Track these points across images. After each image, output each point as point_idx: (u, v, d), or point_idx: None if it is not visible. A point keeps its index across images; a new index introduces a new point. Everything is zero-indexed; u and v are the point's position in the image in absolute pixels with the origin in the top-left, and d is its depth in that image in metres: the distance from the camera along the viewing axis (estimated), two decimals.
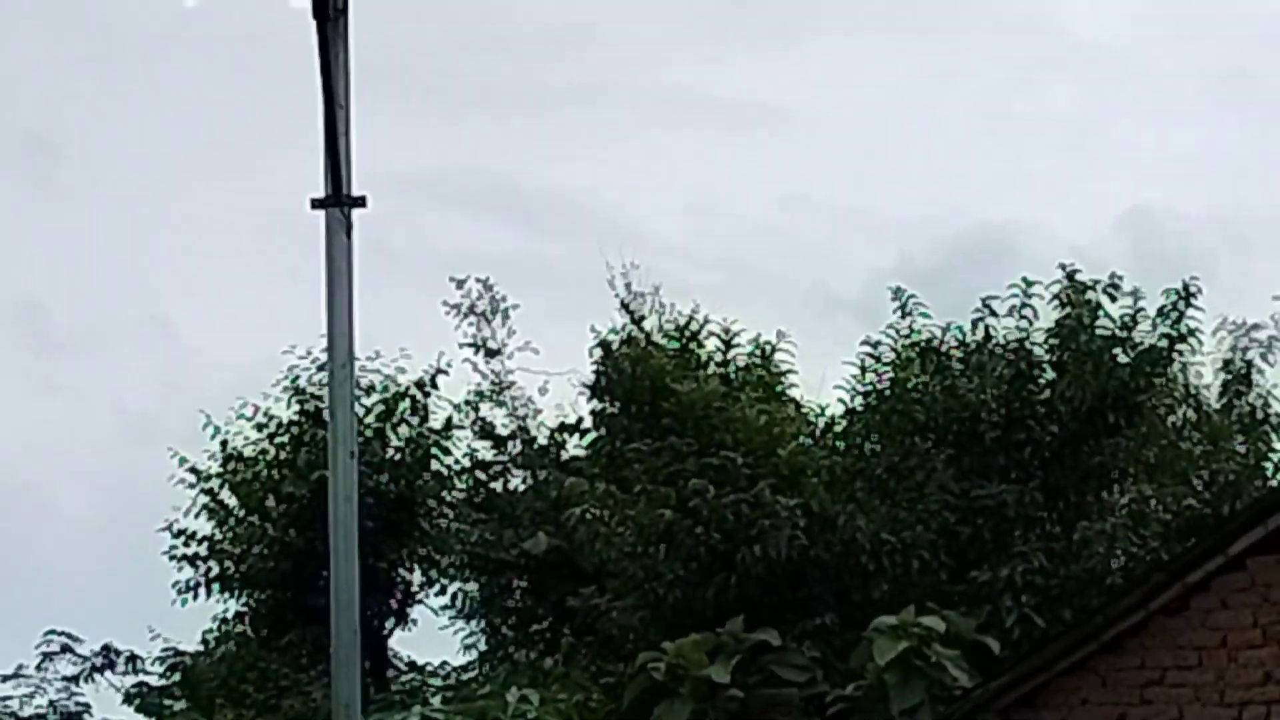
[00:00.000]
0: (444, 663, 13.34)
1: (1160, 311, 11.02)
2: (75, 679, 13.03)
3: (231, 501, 12.56)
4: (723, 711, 10.02)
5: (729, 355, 12.29)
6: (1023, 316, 11.23)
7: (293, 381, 12.52)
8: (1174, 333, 11.04)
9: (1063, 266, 11.26)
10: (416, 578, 13.04)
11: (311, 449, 11.65)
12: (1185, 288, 11.00)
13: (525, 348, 13.08)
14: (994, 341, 11.31)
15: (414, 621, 13.51)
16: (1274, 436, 11.76)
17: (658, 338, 12.12)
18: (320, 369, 11.44)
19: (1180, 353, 11.23)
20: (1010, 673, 7.81)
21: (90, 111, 21.81)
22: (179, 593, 12.92)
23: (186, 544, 12.55)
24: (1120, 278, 11.25)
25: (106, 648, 13.17)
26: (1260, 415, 11.76)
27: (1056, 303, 11.15)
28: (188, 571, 12.72)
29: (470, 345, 13.08)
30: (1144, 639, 7.00)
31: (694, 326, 12.28)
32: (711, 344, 12.15)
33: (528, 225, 20.82)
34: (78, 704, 12.76)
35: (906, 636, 9.57)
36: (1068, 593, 10.55)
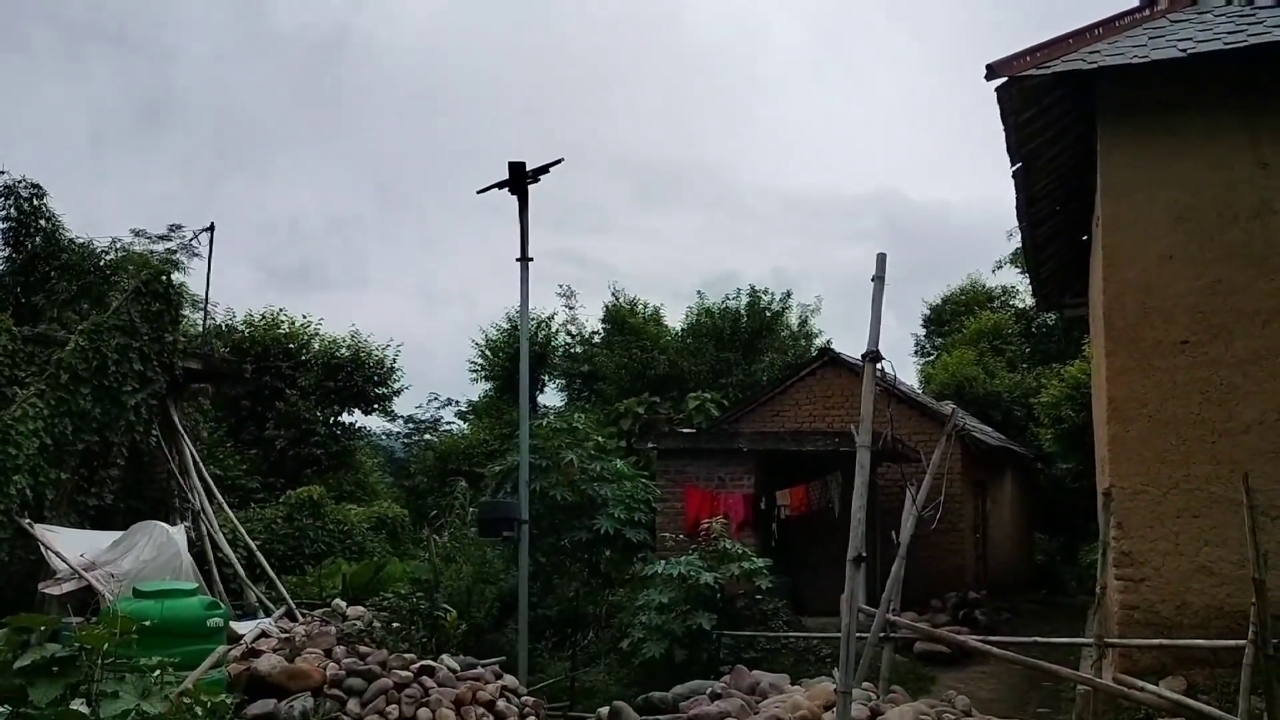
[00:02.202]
0: (555, 405, 37.26)
1: (780, 298, 34.52)
2: (439, 409, 37.57)
3: (488, 353, 36.08)
4: (643, 421, 33.57)
5: (646, 309, 36.03)
6: (736, 300, 34.75)
7: (509, 316, 35.73)
8: (784, 305, 34.55)
9: (749, 288, 34.79)
10: (545, 378, 36.89)
11: (513, 337, 35.51)
12: (765, 289, 34.38)
13: (580, 306, 36.67)
14: (728, 307, 34.82)
15: (545, 391, 37.44)
16: (811, 339, 34.98)
17: (623, 305, 35.82)
18: (517, 311, 35.21)
19: (785, 309, 34.72)
20: (729, 411, 29.25)
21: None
22: (471, 381, 36.71)
23: (474, 365, 36.30)
24: (766, 288, 34.71)
25: (449, 398, 37.63)
26: (804, 330, 35.13)
27: (750, 291, 34.57)
28: (472, 375, 36.82)
29: (565, 306, 36.96)
30: (777, 396, 24.77)
31: (635, 301, 36.04)
32: (639, 306, 35.76)
33: (580, 265, 56.20)
34: (438, 418, 37.41)
35: (699, 399, 32.93)
36: (749, 384, 34.09)
